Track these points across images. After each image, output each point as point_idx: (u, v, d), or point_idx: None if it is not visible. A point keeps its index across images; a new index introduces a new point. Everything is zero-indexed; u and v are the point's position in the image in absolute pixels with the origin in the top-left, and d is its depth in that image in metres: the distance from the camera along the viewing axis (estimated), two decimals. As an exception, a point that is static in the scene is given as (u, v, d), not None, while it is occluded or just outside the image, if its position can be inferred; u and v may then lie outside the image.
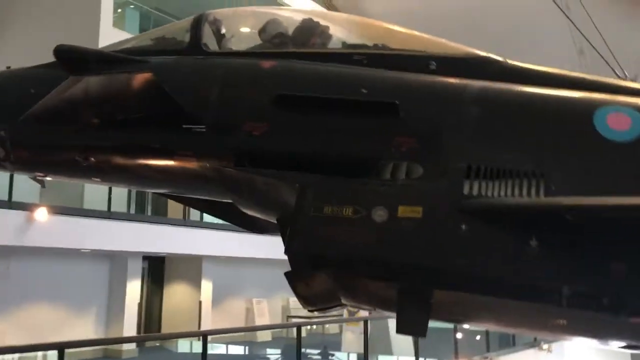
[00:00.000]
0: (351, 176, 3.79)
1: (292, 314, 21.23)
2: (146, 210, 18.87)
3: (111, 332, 17.34)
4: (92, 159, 4.55)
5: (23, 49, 15.49)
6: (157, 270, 19.62)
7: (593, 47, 9.14)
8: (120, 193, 16.81)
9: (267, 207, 4.38)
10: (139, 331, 18.05)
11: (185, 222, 17.83)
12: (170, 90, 4.31)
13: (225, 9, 6.06)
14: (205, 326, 18.76)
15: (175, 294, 19.81)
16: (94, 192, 16.76)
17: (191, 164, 4.34)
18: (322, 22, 4.83)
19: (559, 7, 9.28)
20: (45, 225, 14.10)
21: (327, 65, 4.35)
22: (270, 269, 20.58)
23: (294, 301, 21.22)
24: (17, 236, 13.84)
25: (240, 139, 4.16)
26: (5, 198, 14.00)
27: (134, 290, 17.80)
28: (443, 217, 3.43)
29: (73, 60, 4.58)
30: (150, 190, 5.59)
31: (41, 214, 14.10)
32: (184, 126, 4.25)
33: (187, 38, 4.69)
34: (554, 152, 3.50)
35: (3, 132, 4.64)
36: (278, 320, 21.66)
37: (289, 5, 21.80)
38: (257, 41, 4.81)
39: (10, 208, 13.89)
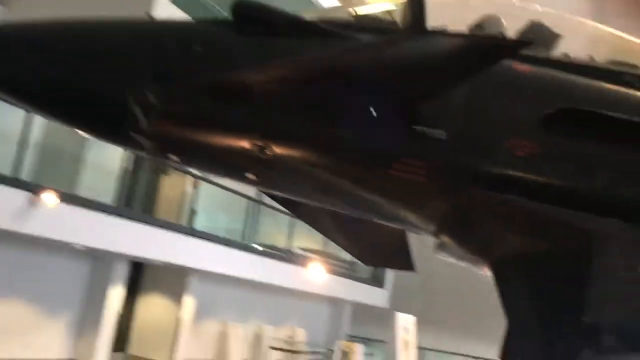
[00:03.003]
0: None
1: (272, 344, 19.46)
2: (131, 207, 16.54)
3: (83, 343, 15.00)
4: (272, 149, 3.59)
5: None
6: (133, 277, 17.30)
7: None
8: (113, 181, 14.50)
9: (504, 244, 3.61)
10: (114, 345, 15.74)
11: (179, 227, 15.64)
12: (398, 76, 3.43)
13: None
14: (181, 350, 16.73)
15: (151, 308, 17.57)
16: (91, 178, 14.60)
17: (414, 177, 3.46)
18: (562, 29, 4.05)
19: None
20: (46, 212, 11.89)
21: (596, 81, 3.69)
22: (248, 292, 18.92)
23: (268, 329, 19.54)
24: (16, 221, 11.55)
25: (499, 157, 3.41)
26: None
27: (114, 298, 15.52)
28: None
29: (256, 19, 3.83)
30: (323, 206, 4.30)
31: (49, 198, 11.87)
32: (415, 127, 3.39)
33: (401, 16, 3.90)
34: None
35: (152, 97, 3.64)
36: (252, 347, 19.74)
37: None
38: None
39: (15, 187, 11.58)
